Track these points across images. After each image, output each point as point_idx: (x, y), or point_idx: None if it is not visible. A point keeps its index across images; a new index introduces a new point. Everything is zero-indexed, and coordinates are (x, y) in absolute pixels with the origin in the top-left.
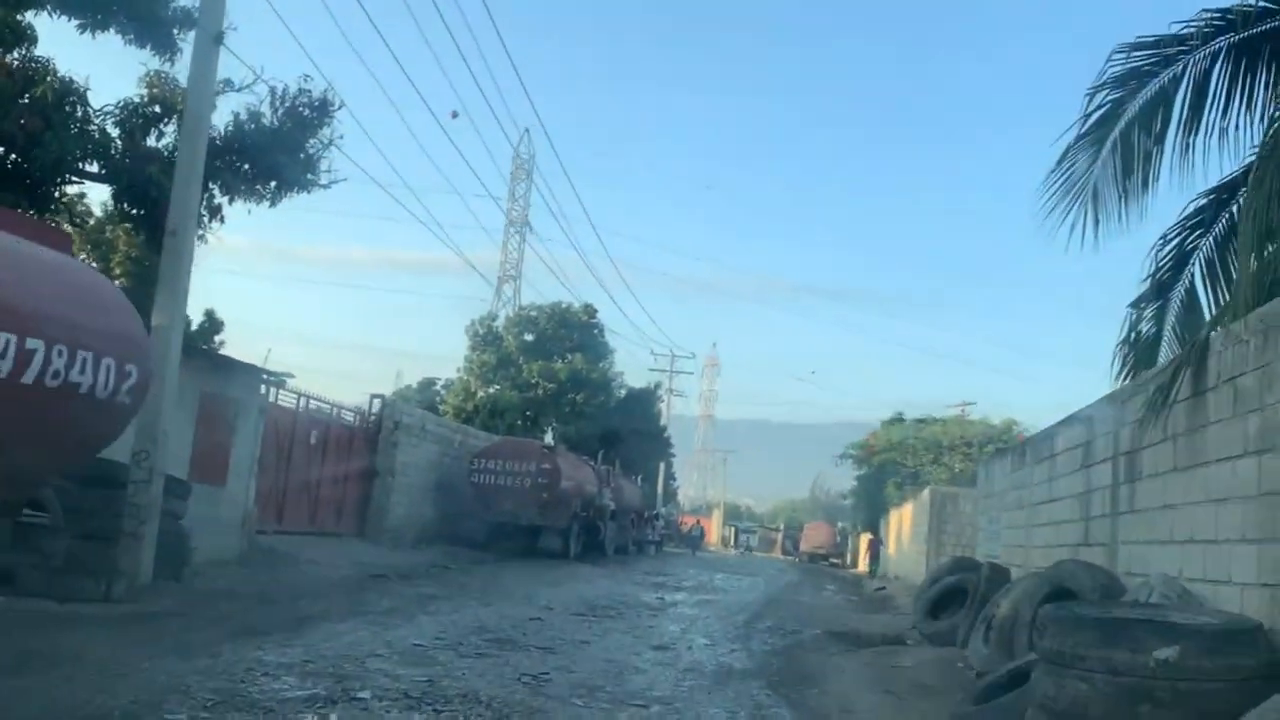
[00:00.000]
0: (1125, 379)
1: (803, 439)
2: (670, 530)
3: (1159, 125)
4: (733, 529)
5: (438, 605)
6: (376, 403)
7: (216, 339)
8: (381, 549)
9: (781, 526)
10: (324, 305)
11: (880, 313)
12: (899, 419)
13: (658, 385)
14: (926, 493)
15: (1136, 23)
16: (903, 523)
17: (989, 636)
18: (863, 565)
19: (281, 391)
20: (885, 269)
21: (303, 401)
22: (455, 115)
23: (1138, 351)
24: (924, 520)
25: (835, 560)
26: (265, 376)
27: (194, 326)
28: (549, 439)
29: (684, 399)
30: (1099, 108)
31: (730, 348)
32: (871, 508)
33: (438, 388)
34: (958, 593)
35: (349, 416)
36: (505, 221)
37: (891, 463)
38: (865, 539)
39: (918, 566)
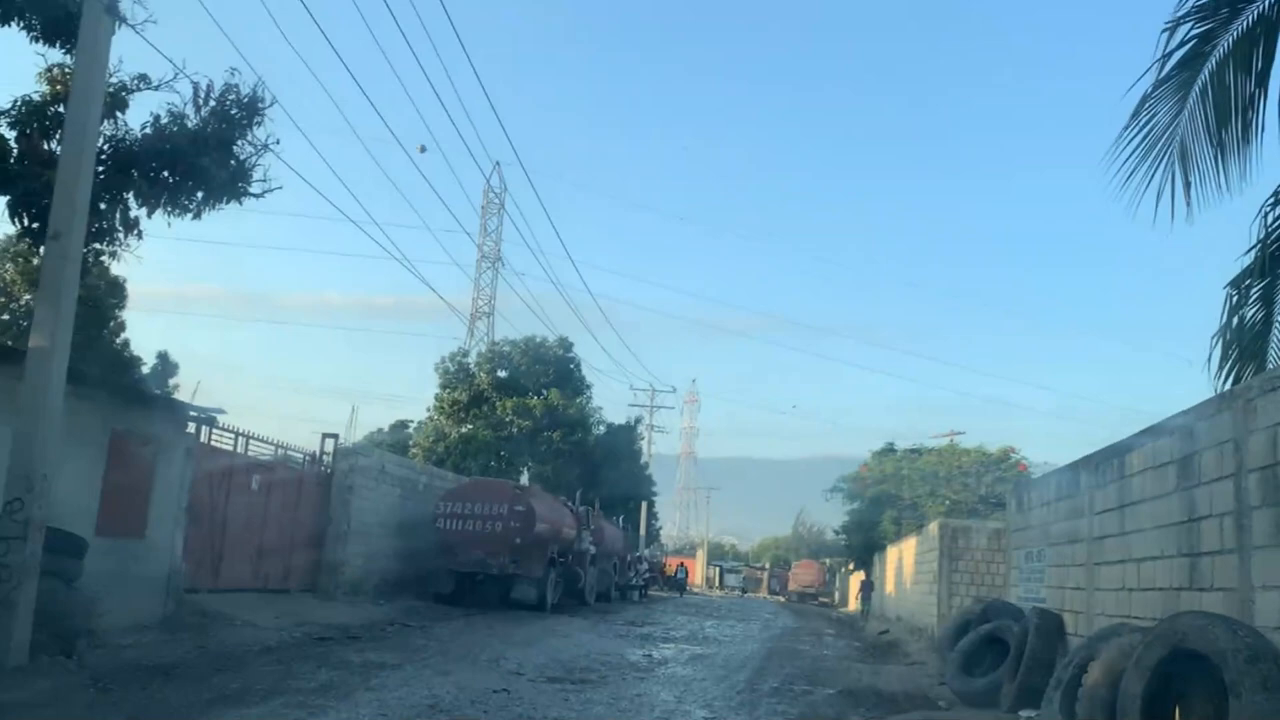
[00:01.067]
0: (1229, 375)
1: (784, 475)
2: (654, 574)
3: (1260, 61)
4: (717, 569)
5: (385, 677)
6: (329, 444)
7: (171, 382)
8: (335, 606)
9: (767, 565)
10: (296, 348)
11: (858, 344)
12: (890, 449)
13: (638, 421)
14: (934, 526)
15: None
16: (904, 559)
17: (1073, 710)
18: (853, 604)
19: (216, 431)
20: (861, 301)
21: (241, 442)
22: (424, 150)
23: (1241, 340)
24: (931, 557)
25: (824, 599)
26: (193, 413)
27: (145, 369)
28: (524, 479)
29: (665, 435)
30: (1182, 44)
31: (709, 384)
32: (865, 544)
33: (410, 430)
34: (993, 643)
35: (297, 459)
36: (477, 256)
37: (886, 495)
38: (857, 578)
39: (924, 608)
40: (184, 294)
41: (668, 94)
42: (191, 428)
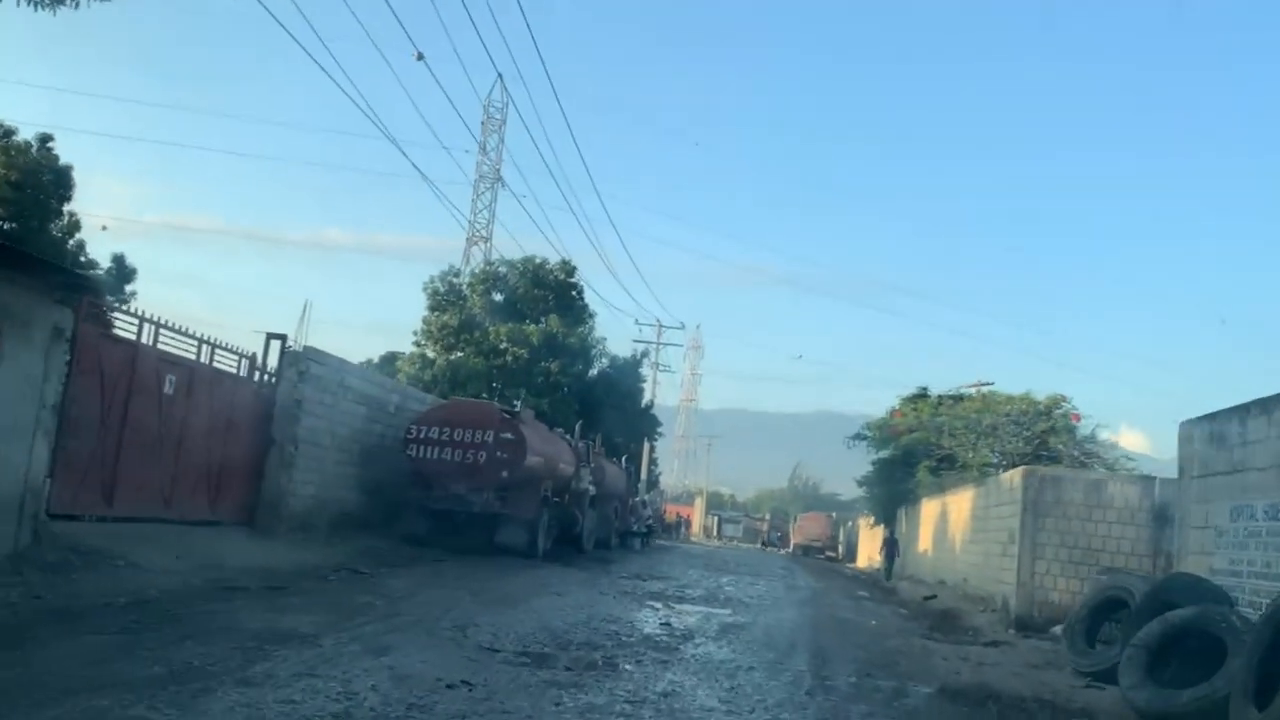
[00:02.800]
0: None
1: (781, 428)
2: (656, 520)
3: None
4: (716, 518)
5: (284, 656)
6: (275, 346)
7: (127, 289)
8: (273, 545)
9: (767, 516)
10: (293, 279)
11: (866, 299)
12: (923, 394)
13: (643, 354)
14: (1014, 475)
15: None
16: (950, 515)
17: None
18: (864, 561)
19: (120, 318)
20: (870, 256)
21: (149, 331)
22: (420, 57)
23: None
24: (1006, 512)
25: (831, 554)
26: (65, 280)
27: (100, 270)
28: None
29: (669, 376)
30: None
31: (714, 330)
32: (889, 497)
33: (400, 364)
34: (1190, 637)
35: (230, 361)
36: (475, 176)
37: (923, 444)
38: (875, 533)
39: (987, 572)
40: (183, 223)
41: (714, 37)
42: (66, 306)
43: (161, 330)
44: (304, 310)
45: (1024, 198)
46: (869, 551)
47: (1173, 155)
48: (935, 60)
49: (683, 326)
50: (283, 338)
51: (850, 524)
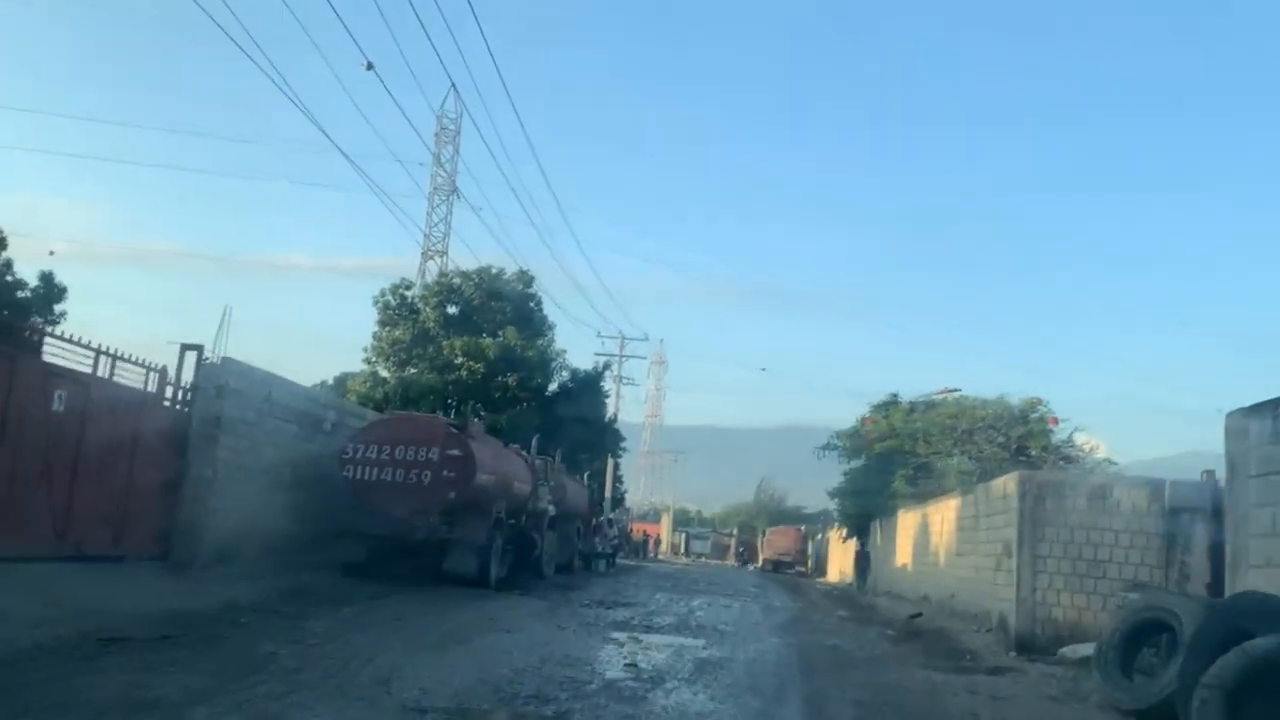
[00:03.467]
0: None
1: (747, 443)
2: (622, 539)
3: None
4: (683, 535)
5: None
6: (190, 358)
7: (56, 308)
8: (188, 581)
9: (735, 532)
10: (252, 303)
11: (830, 309)
12: (894, 401)
13: (606, 367)
14: (1007, 482)
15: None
16: (933, 526)
17: None
18: (833, 576)
19: None
20: (832, 267)
21: (33, 339)
22: (370, 66)
23: None
24: (1000, 522)
25: (801, 569)
26: None
27: (28, 291)
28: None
29: (634, 390)
30: None
31: (675, 346)
32: (862, 509)
33: (351, 383)
34: (1271, 672)
35: (137, 376)
36: (429, 189)
37: (897, 452)
38: (846, 547)
39: (979, 588)
40: (139, 249)
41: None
42: None
43: (48, 340)
44: (223, 318)
45: (986, 204)
46: (840, 565)
47: (1130, 159)
48: (898, 68)
49: (646, 338)
50: (199, 348)
51: (820, 537)
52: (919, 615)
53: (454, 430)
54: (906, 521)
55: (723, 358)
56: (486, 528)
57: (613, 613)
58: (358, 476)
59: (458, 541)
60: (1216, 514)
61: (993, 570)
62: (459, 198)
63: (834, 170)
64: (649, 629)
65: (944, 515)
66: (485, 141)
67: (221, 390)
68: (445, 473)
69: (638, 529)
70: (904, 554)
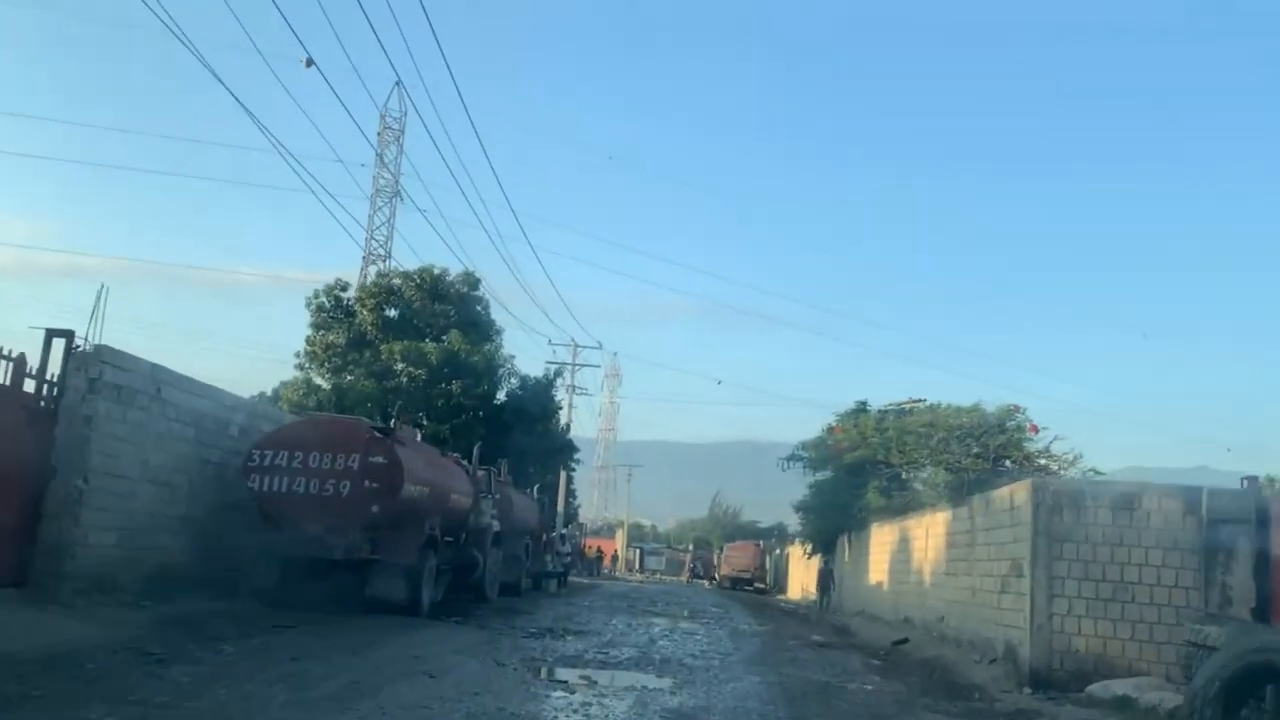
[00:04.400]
0: None
1: (701, 458)
2: (575, 556)
3: None
4: (638, 551)
5: None
6: (58, 345)
7: None
8: (49, 614)
9: (690, 547)
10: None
11: (787, 322)
12: (862, 409)
13: (557, 374)
14: (1016, 491)
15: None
16: (916, 542)
17: None
18: (794, 593)
19: None
20: (788, 279)
21: None
22: (310, 63)
23: None
24: (1006, 537)
25: (760, 585)
26: None
27: None
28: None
29: (588, 401)
30: None
31: (629, 360)
32: (830, 524)
33: (283, 390)
34: None
35: None
36: (371, 190)
37: (868, 461)
38: (808, 564)
39: (980, 613)
40: (80, 263)
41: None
42: None
43: None
44: (98, 298)
45: (940, 217)
46: (802, 582)
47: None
48: (858, 79)
49: (600, 346)
50: (67, 334)
51: (778, 553)
52: (904, 641)
53: (378, 434)
54: (881, 536)
55: (677, 372)
56: (417, 546)
57: (563, 644)
58: (265, 487)
59: (383, 562)
60: (1262, 525)
61: (996, 592)
62: (402, 200)
63: (792, 184)
64: (605, 664)
65: (930, 530)
66: (436, 144)
67: (95, 384)
68: (368, 483)
69: (591, 545)
70: (878, 571)
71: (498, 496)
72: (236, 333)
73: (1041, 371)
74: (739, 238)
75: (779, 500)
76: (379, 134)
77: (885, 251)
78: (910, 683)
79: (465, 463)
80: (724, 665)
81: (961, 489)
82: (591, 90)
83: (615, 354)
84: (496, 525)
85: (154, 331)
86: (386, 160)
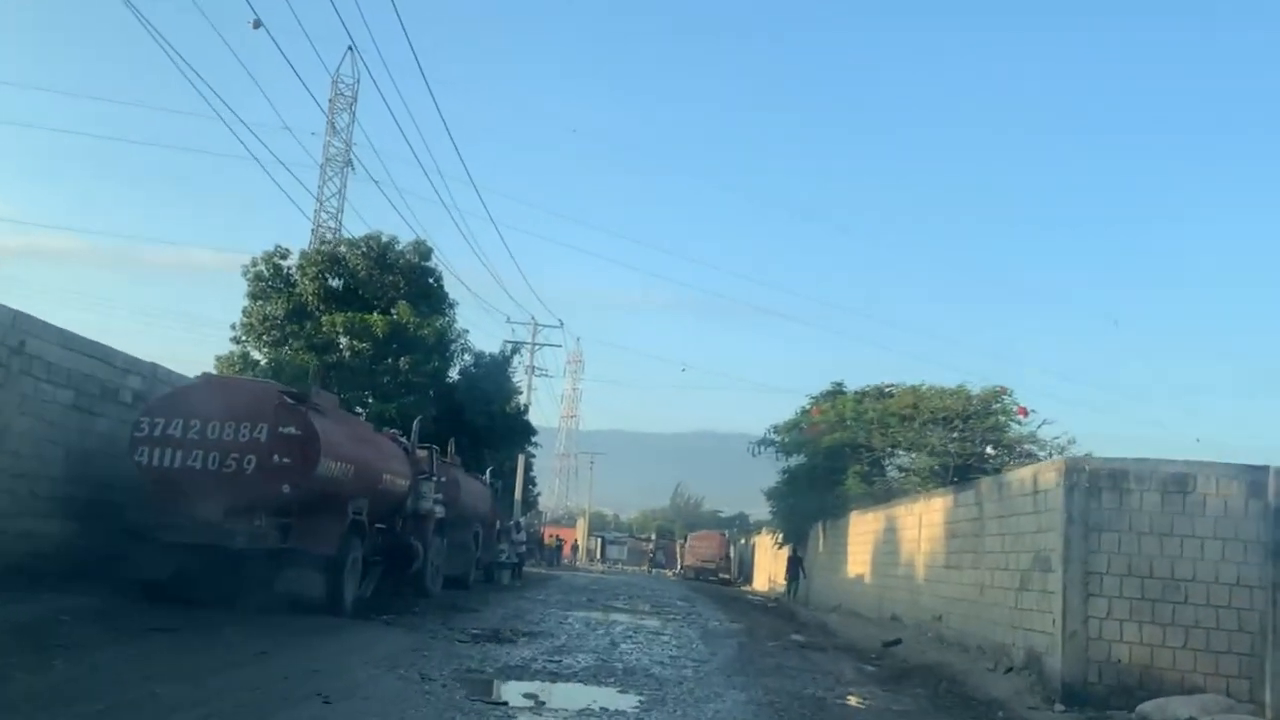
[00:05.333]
0: None
1: (663, 448)
2: (533, 546)
3: None
4: (599, 540)
5: None
6: None
7: None
8: None
9: (653, 537)
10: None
11: (743, 318)
12: (839, 390)
13: (514, 350)
14: (1044, 472)
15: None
16: (906, 531)
17: None
18: (760, 583)
19: None
20: (753, 266)
21: None
22: (258, 24)
23: None
24: (1028, 526)
25: (725, 576)
26: None
27: None
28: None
29: (548, 383)
30: None
31: (592, 345)
32: (802, 511)
33: (218, 366)
34: None
35: None
36: (322, 160)
37: (848, 444)
38: (778, 552)
39: (1007, 614)
40: (37, 245)
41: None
42: None
43: None
44: None
45: (911, 201)
46: (770, 573)
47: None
48: (822, 66)
49: (561, 325)
50: None
51: (743, 542)
52: (896, 643)
53: (290, 401)
54: (862, 525)
55: (642, 356)
56: (338, 533)
57: (508, 649)
58: (155, 462)
59: (296, 552)
60: None
61: (1013, 589)
62: (354, 170)
63: (785, 163)
64: (558, 676)
65: (923, 518)
66: (392, 112)
67: None
68: (277, 458)
69: (551, 534)
70: (858, 563)
71: (442, 479)
72: (188, 309)
73: (1030, 364)
74: (709, 220)
75: (741, 490)
76: (330, 100)
77: (862, 238)
78: (917, 696)
79: (404, 440)
80: (699, 675)
81: (946, 474)
82: (559, 65)
83: (579, 339)
84: (440, 511)
85: (103, 309)
86: (338, 128)
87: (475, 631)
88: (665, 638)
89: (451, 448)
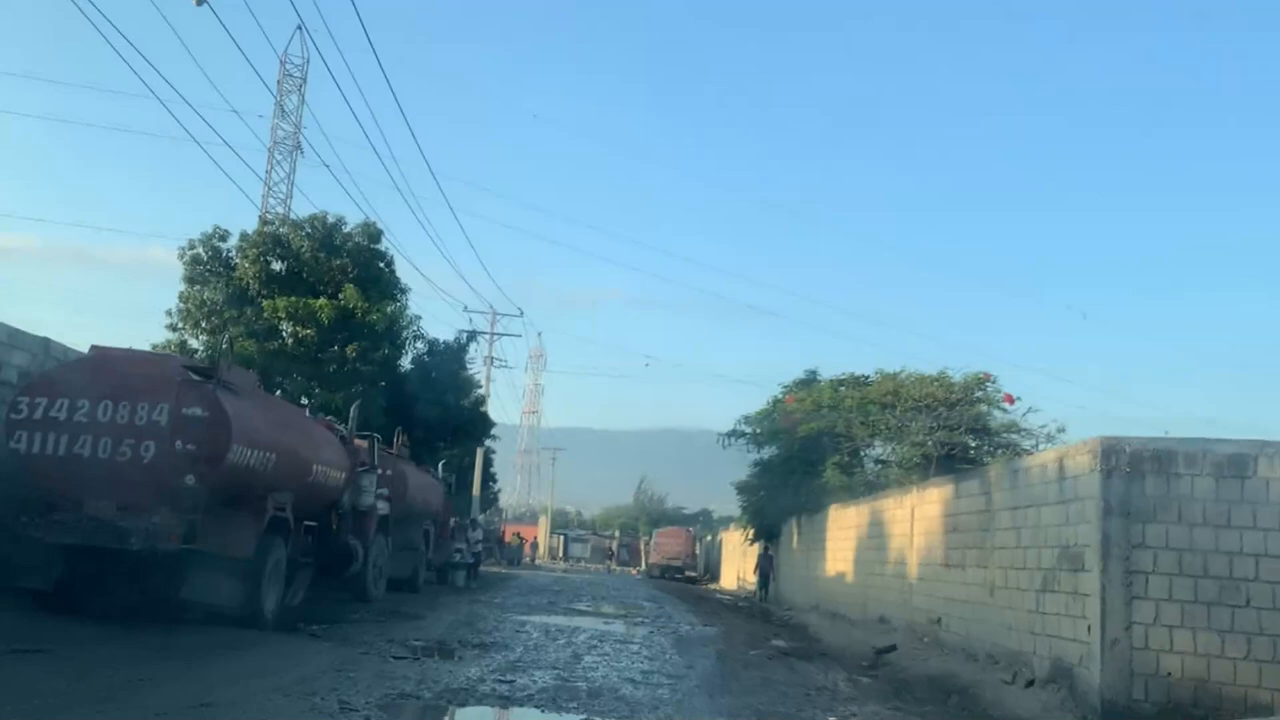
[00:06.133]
0: None
1: (625, 445)
2: (492, 544)
3: None
4: (562, 538)
5: None
6: None
7: None
8: None
9: (616, 534)
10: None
11: (703, 313)
12: (812, 379)
13: (470, 337)
14: (1075, 455)
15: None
16: (895, 526)
17: None
18: (728, 581)
19: None
20: (713, 259)
21: None
22: (201, 1)
23: None
24: (1052, 518)
25: (691, 574)
26: None
27: None
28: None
29: (508, 374)
30: None
31: (554, 342)
32: (775, 506)
33: None
34: None
35: None
36: (269, 143)
37: (826, 434)
38: (748, 549)
39: (1026, 618)
40: None
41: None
42: None
43: None
44: None
45: (875, 191)
46: (739, 570)
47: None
48: (789, 54)
49: (521, 314)
50: None
51: (709, 539)
52: (891, 649)
53: (195, 378)
54: (843, 520)
55: (603, 356)
56: (255, 532)
57: (451, 668)
58: (36, 449)
59: (204, 554)
60: None
61: (1033, 591)
62: (303, 153)
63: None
64: (510, 700)
65: (917, 510)
66: (343, 93)
67: None
68: (180, 444)
69: (512, 532)
70: (839, 560)
71: (387, 472)
72: (128, 299)
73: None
74: (671, 211)
75: (703, 486)
76: (278, 81)
77: (831, 231)
78: (926, 714)
79: (341, 427)
80: (677, 695)
81: (929, 466)
82: (521, 51)
83: (540, 334)
84: (384, 507)
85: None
86: (287, 110)
87: (417, 643)
88: (634, 647)
89: (399, 439)
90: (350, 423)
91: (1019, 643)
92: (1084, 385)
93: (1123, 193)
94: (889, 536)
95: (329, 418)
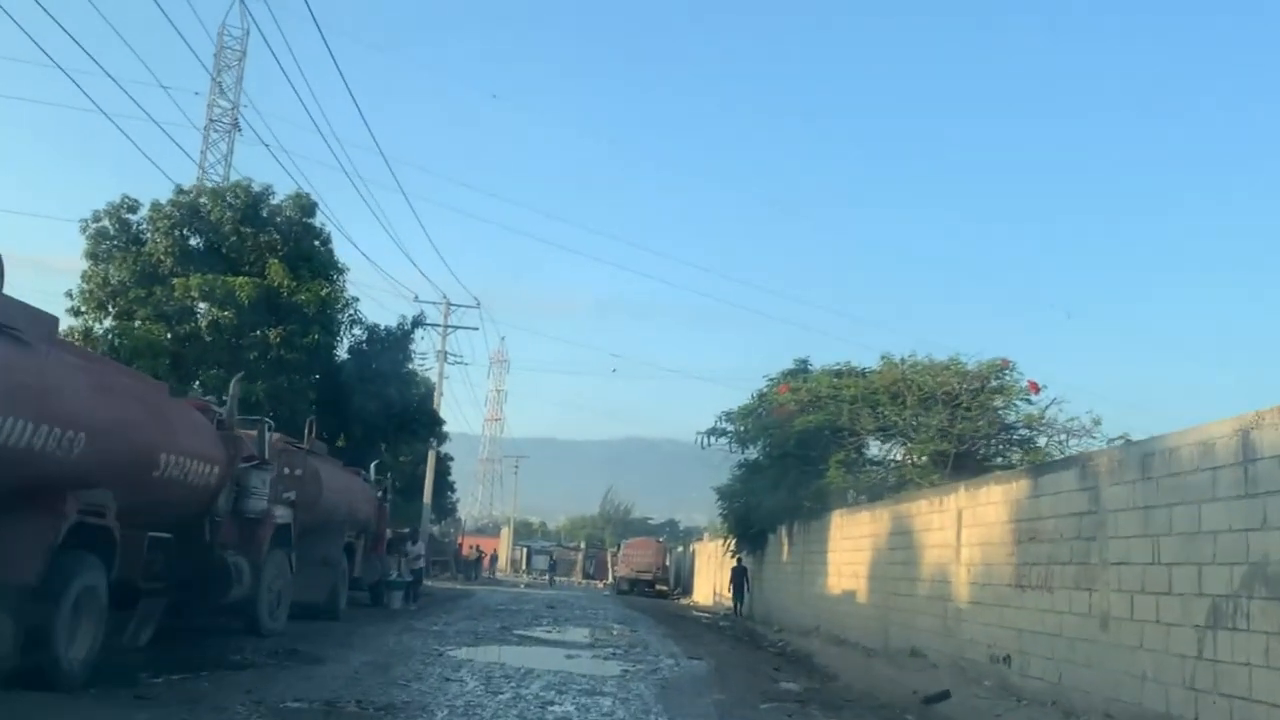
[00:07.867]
0: None
1: (590, 455)
2: (448, 557)
3: None
4: (524, 550)
5: None
6: None
7: None
8: None
9: (582, 545)
10: None
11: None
12: (803, 369)
13: (416, 322)
14: (1261, 427)
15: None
16: (929, 535)
17: None
18: (702, 595)
19: None
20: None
21: None
22: None
23: None
24: (1211, 522)
25: (662, 587)
26: None
27: None
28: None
29: (466, 366)
30: None
31: (517, 353)
32: (760, 511)
33: None
34: None
35: None
36: (205, 121)
37: (831, 429)
38: (725, 561)
39: (1156, 664)
40: None
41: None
42: None
43: None
44: None
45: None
46: (714, 583)
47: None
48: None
49: (478, 305)
50: None
51: (680, 550)
52: (944, 696)
53: None
54: (853, 527)
55: (569, 355)
56: (43, 547)
57: None
58: None
59: None
60: None
61: (1190, 627)
62: (241, 132)
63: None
64: None
65: (967, 514)
66: (283, 68)
67: None
68: None
69: (470, 544)
70: (846, 575)
71: (296, 471)
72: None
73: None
74: (637, 206)
75: (670, 497)
76: (215, 55)
77: (811, 227)
78: None
79: (217, 408)
80: None
81: (945, 464)
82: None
83: (503, 338)
84: (285, 515)
85: None
86: (225, 87)
87: (294, 706)
88: (606, 702)
89: (311, 430)
90: (230, 403)
91: (1165, 701)
92: (1086, 390)
93: (1122, 196)
94: (921, 548)
95: (208, 398)
